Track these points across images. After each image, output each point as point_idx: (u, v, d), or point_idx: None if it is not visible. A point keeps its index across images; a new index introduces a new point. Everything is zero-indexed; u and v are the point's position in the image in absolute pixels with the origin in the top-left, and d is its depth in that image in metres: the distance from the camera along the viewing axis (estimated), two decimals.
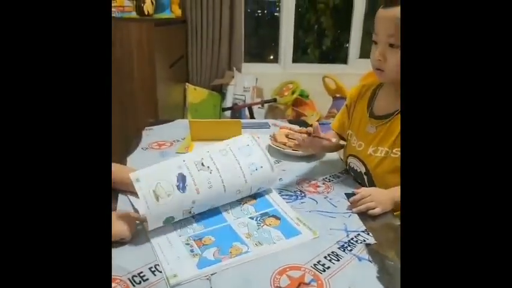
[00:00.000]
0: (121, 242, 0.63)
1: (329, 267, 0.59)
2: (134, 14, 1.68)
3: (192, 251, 0.63)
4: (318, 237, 0.67)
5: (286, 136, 1.10)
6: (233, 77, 2.63)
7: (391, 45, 0.74)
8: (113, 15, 1.63)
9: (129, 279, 0.56)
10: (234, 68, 2.67)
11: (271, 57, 3.23)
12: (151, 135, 1.23)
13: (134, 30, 1.62)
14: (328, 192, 0.85)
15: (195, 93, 2.57)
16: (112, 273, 0.56)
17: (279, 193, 0.83)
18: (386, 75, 0.79)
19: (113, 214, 0.67)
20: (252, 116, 2.45)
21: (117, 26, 1.62)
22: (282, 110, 2.78)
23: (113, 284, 0.54)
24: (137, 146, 1.12)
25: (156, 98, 1.71)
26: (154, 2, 1.87)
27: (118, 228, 0.64)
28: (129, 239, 0.64)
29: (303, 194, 0.84)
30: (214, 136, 1.11)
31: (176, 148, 1.11)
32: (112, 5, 1.63)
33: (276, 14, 3.13)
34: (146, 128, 1.29)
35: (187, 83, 2.58)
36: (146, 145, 1.13)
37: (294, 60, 2.87)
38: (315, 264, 0.60)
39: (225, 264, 0.59)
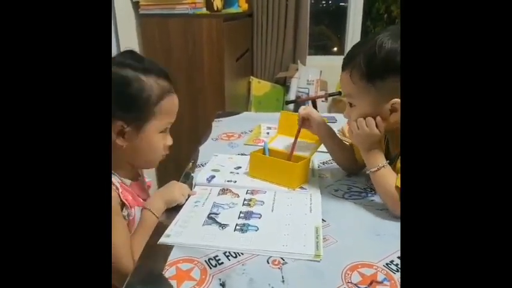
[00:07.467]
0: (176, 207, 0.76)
1: None
2: (205, 10, 1.75)
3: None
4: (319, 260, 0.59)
5: None
6: (297, 69, 2.62)
7: (350, 105, 0.77)
8: (185, 12, 1.70)
9: (205, 261, 0.60)
10: (298, 61, 2.65)
11: (335, 49, 3.15)
12: (220, 126, 1.28)
13: (205, 26, 1.69)
14: None
15: (259, 86, 2.62)
16: (192, 256, 0.61)
17: (348, 189, 0.82)
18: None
19: (175, 182, 0.81)
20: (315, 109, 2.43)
21: (189, 22, 1.70)
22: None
23: (191, 265, 0.59)
24: (208, 137, 1.17)
25: (224, 91, 1.77)
26: None
27: (177, 196, 0.77)
28: (181, 204, 0.77)
29: (373, 192, 0.81)
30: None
31: (245, 140, 1.15)
32: (185, 2, 1.71)
33: (341, 4, 3.03)
34: (215, 119, 1.36)
35: (251, 76, 2.63)
36: (216, 136, 1.19)
37: None
38: (387, 264, 0.58)
39: None
